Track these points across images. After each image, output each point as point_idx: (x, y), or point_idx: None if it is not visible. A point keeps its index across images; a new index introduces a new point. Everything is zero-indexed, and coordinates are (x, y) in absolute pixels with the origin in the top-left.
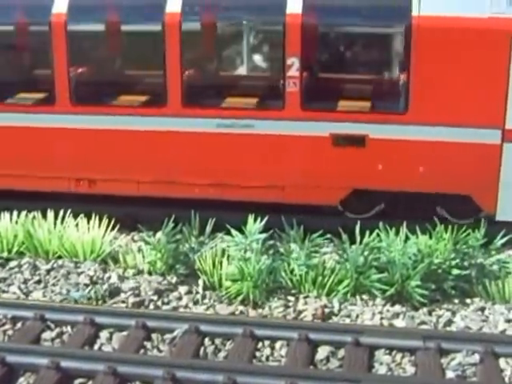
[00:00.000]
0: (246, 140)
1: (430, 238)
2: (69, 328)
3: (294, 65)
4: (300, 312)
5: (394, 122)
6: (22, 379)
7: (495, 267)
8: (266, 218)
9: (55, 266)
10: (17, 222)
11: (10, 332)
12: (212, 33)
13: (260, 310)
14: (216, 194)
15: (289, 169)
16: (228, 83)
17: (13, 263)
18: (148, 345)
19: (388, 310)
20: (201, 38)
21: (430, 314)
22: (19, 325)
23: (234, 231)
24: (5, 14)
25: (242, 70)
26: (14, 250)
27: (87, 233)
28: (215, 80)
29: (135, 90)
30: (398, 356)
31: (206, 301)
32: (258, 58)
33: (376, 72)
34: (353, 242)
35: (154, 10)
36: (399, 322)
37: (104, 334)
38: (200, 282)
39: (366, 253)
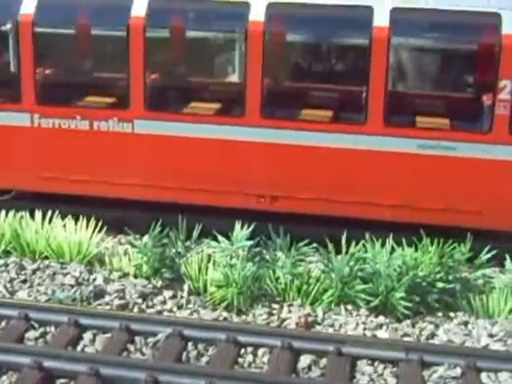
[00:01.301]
0: (447, 162)
1: (416, 250)
2: (52, 328)
3: (506, 88)
4: (284, 320)
5: None
6: (4, 377)
7: (480, 282)
8: (252, 226)
9: (41, 266)
10: (4, 221)
11: None
12: (416, 53)
13: (244, 317)
14: (405, 217)
15: (490, 193)
16: (430, 103)
17: None
18: (131, 347)
19: (371, 321)
20: (405, 56)
21: (413, 326)
22: (3, 323)
23: (220, 237)
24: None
25: (446, 91)
26: (1, 249)
27: (74, 234)
28: (416, 99)
29: (326, 105)
30: (380, 367)
31: (191, 306)
32: (463, 79)
33: None
34: (339, 251)
35: (360, 25)
36: (382, 333)
37: (87, 336)
38: (185, 286)
39: (351, 263)
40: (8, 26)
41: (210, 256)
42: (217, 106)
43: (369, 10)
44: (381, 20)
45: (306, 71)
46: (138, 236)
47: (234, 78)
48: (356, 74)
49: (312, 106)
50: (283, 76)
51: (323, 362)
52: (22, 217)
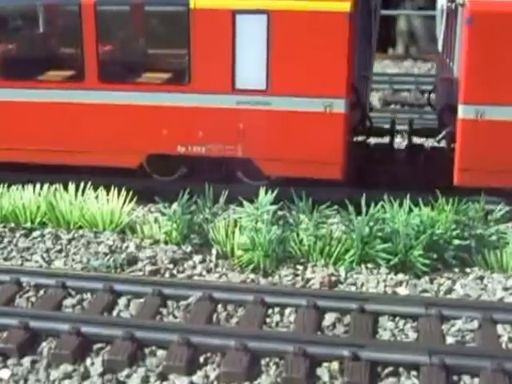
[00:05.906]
0: None
1: (432, 209)
2: (89, 295)
3: None
4: (308, 280)
5: None
6: (44, 344)
7: (494, 238)
8: (276, 190)
9: (76, 235)
10: (40, 194)
11: (33, 299)
12: None
13: (270, 278)
14: None
15: None
16: None
17: (36, 233)
18: (164, 311)
19: (392, 279)
20: None
21: (431, 282)
22: (42, 292)
23: (245, 203)
24: None
25: None
26: (37, 220)
27: (106, 204)
28: None
29: None
30: (401, 322)
31: (219, 269)
32: None
33: None
34: (359, 213)
35: None
36: (402, 290)
37: (122, 301)
38: (213, 251)
39: (371, 224)
40: None
41: (236, 221)
42: None
43: None
44: None
45: None
46: (167, 204)
47: None
48: None
49: None
50: None
51: (347, 319)
52: (56, 189)
